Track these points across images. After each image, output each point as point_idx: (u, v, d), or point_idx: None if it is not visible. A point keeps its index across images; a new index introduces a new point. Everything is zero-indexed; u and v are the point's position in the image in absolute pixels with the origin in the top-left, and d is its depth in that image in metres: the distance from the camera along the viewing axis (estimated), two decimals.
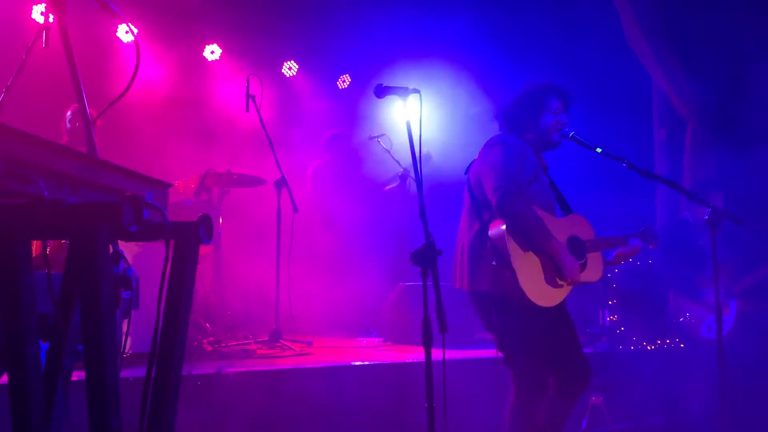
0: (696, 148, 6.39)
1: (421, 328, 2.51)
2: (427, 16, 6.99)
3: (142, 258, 4.00)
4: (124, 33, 6.58)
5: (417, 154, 2.68)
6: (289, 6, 7.27)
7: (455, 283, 3.27)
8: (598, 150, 3.27)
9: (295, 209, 5.25)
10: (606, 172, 5.75)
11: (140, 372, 3.36)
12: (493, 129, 3.45)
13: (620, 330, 5.35)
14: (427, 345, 2.50)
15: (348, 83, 7.92)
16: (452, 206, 3.58)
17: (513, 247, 2.99)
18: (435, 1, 6.99)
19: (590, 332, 5.40)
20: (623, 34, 6.56)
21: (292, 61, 7.64)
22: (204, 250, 4.99)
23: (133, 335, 3.87)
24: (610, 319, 5.39)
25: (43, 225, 1.34)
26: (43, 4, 5.82)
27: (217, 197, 5.51)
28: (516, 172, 3.09)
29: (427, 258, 2.54)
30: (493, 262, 3.01)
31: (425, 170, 2.73)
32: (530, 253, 3.05)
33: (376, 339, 5.82)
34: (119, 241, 1.70)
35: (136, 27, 6.46)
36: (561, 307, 3.14)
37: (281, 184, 5.29)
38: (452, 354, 3.71)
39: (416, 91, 2.78)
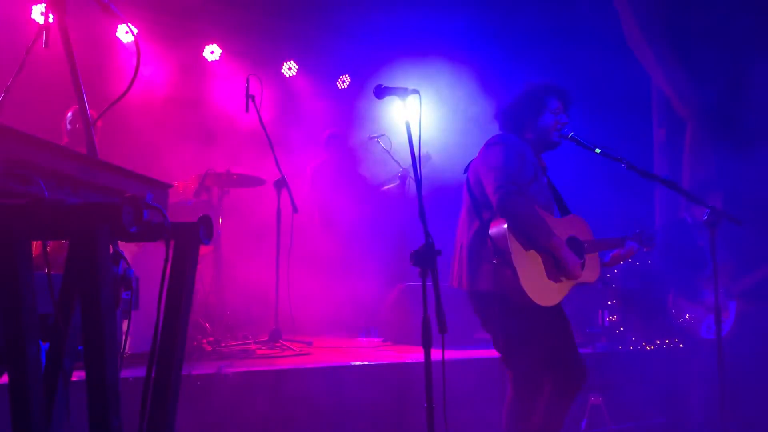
0: (695, 148, 6.39)
1: (420, 329, 2.51)
2: (426, 17, 6.99)
3: (141, 257, 4.01)
4: (124, 33, 6.58)
5: (416, 155, 2.68)
6: (289, 6, 7.28)
7: (454, 283, 3.28)
8: (597, 150, 3.27)
9: (295, 209, 5.25)
10: (605, 172, 5.76)
11: (140, 372, 3.36)
12: (493, 129, 3.46)
13: (619, 330, 5.36)
14: (427, 345, 2.50)
15: (348, 83, 7.92)
16: (452, 207, 3.58)
17: (514, 246, 3.00)
18: (435, 1, 6.99)
19: (590, 332, 5.40)
20: (623, 34, 6.56)
21: (292, 62, 7.64)
22: (204, 250, 4.99)
23: (133, 335, 3.88)
24: (610, 320, 5.40)
25: (43, 225, 1.35)
26: (43, 5, 5.82)
27: (216, 197, 5.51)
28: (516, 171, 3.10)
29: (426, 258, 2.54)
30: (494, 261, 3.02)
31: (424, 170, 2.74)
32: (532, 251, 3.07)
33: (376, 339, 5.83)
34: (119, 241, 1.70)
35: (136, 27, 6.45)
36: (559, 306, 3.16)
37: (281, 184, 5.30)
38: (452, 354, 3.71)
39: (416, 91, 2.78)
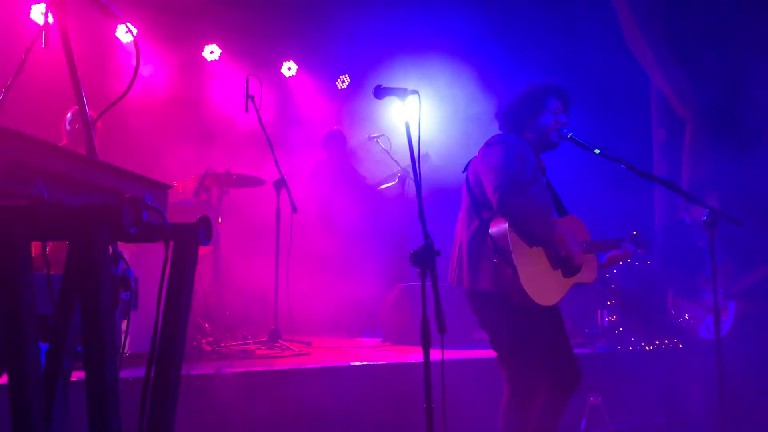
0: (695, 148, 6.39)
1: (419, 329, 2.52)
2: (425, 17, 6.99)
3: (140, 257, 4.01)
4: (124, 33, 6.58)
5: (416, 155, 2.69)
6: (288, 6, 7.28)
7: (452, 282, 3.28)
8: (596, 151, 3.28)
9: (294, 209, 5.25)
10: (605, 172, 5.77)
11: (140, 372, 3.36)
12: (492, 129, 3.46)
13: (619, 330, 5.36)
14: (426, 345, 2.51)
15: (347, 83, 7.92)
16: (451, 207, 3.59)
17: (515, 245, 3.01)
18: (434, 1, 7.00)
19: (589, 333, 5.40)
20: (622, 34, 6.56)
21: (292, 62, 7.64)
22: (203, 250, 4.99)
23: (133, 335, 3.88)
24: (609, 320, 5.40)
25: (43, 226, 1.35)
26: (43, 5, 5.83)
27: (216, 197, 5.51)
28: (516, 171, 3.11)
29: (426, 259, 2.55)
30: (494, 260, 3.03)
31: (423, 170, 2.74)
32: (533, 250, 3.08)
33: (375, 339, 5.83)
34: (118, 242, 1.70)
35: (135, 27, 6.48)
36: (556, 306, 3.18)
37: (280, 184, 5.30)
38: (451, 354, 3.72)
39: (415, 92, 2.79)
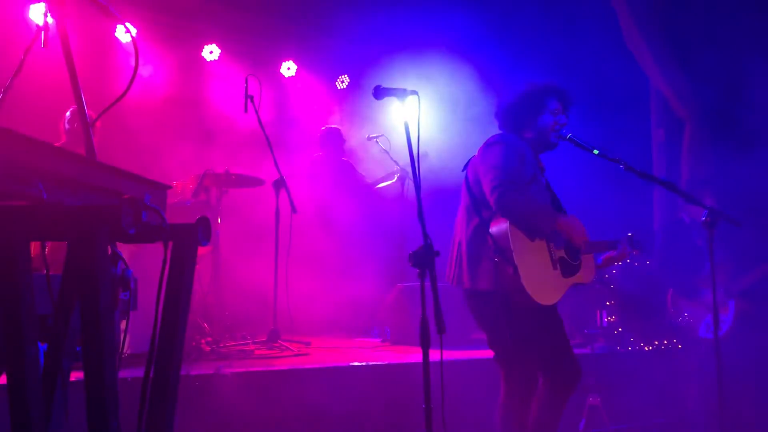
0: (694, 148, 6.40)
1: (419, 329, 2.52)
2: (425, 17, 6.99)
3: (139, 256, 4.01)
4: (123, 33, 6.58)
5: (415, 156, 2.69)
6: (287, 6, 7.28)
7: (450, 281, 3.29)
8: (595, 152, 3.28)
9: (294, 210, 5.25)
10: (605, 173, 5.77)
11: (139, 372, 3.36)
12: (491, 130, 3.47)
13: (618, 331, 5.36)
14: (425, 346, 2.51)
15: (347, 84, 7.92)
16: (450, 207, 3.59)
17: (516, 244, 3.02)
18: (433, 1, 7.00)
19: (588, 333, 5.41)
20: (621, 34, 6.57)
21: (291, 62, 7.64)
22: (202, 250, 4.98)
23: (133, 335, 3.88)
24: (608, 320, 5.40)
25: (42, 227, 1.35)
26: (43, 4, 5.82)
27: (215, 198, 5.50)
28: (515, 171, 3.12)
29: (425, 259, 2.55)
30: (495, 259, 3.04)
31: (422, 169, 2.74)
32: (535, 248, 3.10)
33: (374, 340, 5.83)
34: (117, 242, 1.70)
35: (134, 27, 6.48)
36: (555, 306, 3.19)
37: (280, 184, 5.29)
38: (450, 355, 3.72)
39: (414, 92, 2.79)
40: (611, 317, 5.42)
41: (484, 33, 6.73)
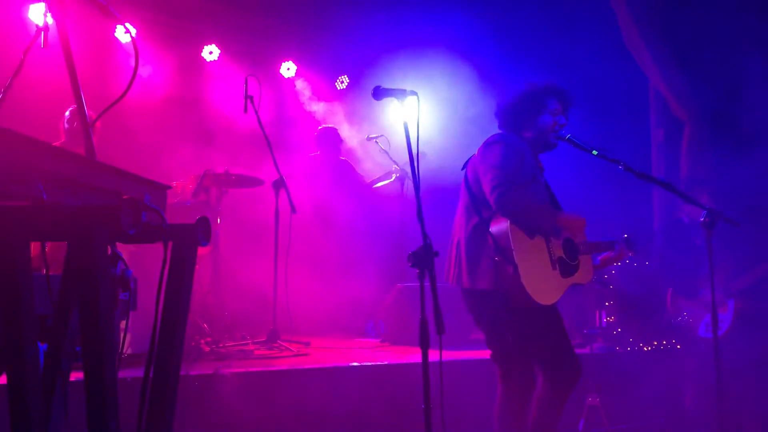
0: (693, 149, 6.39)
1: (418, 329, 2.52)
2: (424, 18, 6.99)
3: (139, 256, 4.01)
4: (123, 34, 6.58)
5: (414, 156, 2.69)
6: (287, 7, 7.28)
7: (449, 280, 3.29)
8: (594, 152, 3.29)
9: (293, 210, 5.26)
10: (603, 173, 5.77)
11: (138, 372, 3.37)
12: (490, 130, 3.47)
13: (617, 331, 5.36)
14: (424, 346, 2.51)
15: (346, 84, 7.92)
16: (449, 207, 3.59)
17: (516, 243, 3.02)
18: (433, 2, 7.00)
19: (587, 333, 5.41)
20: (620, 34, 6.57)
21: (291, 62, 7.64)
22: (202, 250, 4.98)
23: (134, 335, 3.88)
24: (607, 321, 5.40)
25: (42, 227, 1.35)
26: (42, 5, 5.82)
27: (215, 198, 5.51)
28: (515, 170, 3.13)
29: (424, 259, 2.55)
30: (496, 258, 3.04)
31: (421, 168, 2.75)
32: (535, 248, 3.11)
33: (374, 340, 5.83)
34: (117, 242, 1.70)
35: (134, 27, 6.47)
36: (554, 305, 3.20)
37: (279, 184, 5.30)
38: (449, 355, 3.72)
39: (414, 93, 2.80)
40: (610, 317, 5.42)
41: (484, 33, 6.74)
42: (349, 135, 7.20)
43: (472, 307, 3.27)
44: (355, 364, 4.20)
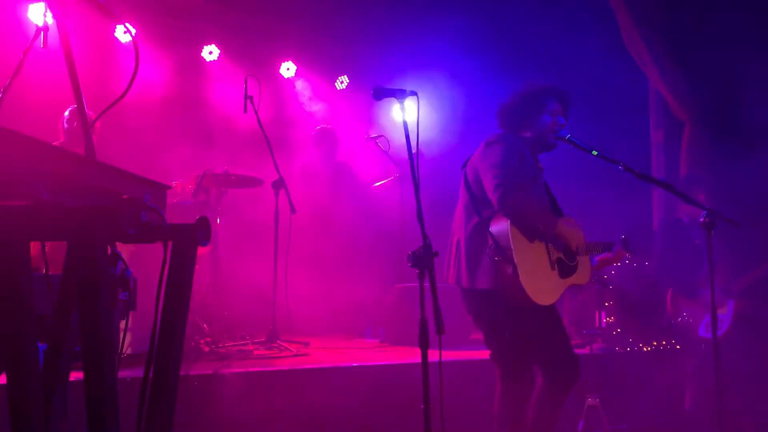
0: (693, 149, 6.40)
1: (417, 330, 2.52)
2: (424, 18, 7.00)
3: (139, 256, 4.00)
4: (122, 33, 6.57)
5: (414, 156, 2.70)
6: (287, 7, 7.27)
7: (448, 280, 3.29)
8: (594, 153, 3.29)
9: (293, 210, 5.26)
10: (603, 174, 5.77)
11: (138, 372, 3.37)
12: (489, 130, 3.47)
13: (617, 331, 5.36)
14: (424, 346, 2.51)
15: (346, 84, 7.92)
16: (449, 208, 3.59)
17: (516, 244, 3.03)
18: (432, 2, 7.00)
19: (587, 333, 5.40)
20: (620, 35, 6.57)
21: (291, 62, 7.64)
22: (201, 250, 4.98)
23: (135, 335, 3.88)
24: (607, 321, 5.40)
25: (42, 227, 1.35)
26: (42, 4, 5.82)
27: (214, 198, 5.50)
28: (516, 170, 3.13)
29: (424, 259, 2.55)
30: (496, 258, 3.05)
31: (419, 166, 2.75)
32: (534, 248, 3.11)
33: (373, 340, 5.83)
34: (117, 242, 1.70)
35: (134, 27, 6.46)
36: (553, 305, 3.21)
37: (279, 184, 5.30)
38: (448, 355, 3.72)
39: (414, 93, 2.81)
40: (610, 318, 5.42)
41: (484, 33, 6.74)
42: (349, 135, 7.20)
43: (472, 307, 3.28)
44: (355, 364, 4.20)
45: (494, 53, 6.77)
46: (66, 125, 5.07)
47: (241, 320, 5.45)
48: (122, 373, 3.38)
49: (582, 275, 3.34)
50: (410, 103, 2.79)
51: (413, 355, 4.66)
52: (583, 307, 5.64)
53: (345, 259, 6.33)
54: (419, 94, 2.80)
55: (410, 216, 4.91)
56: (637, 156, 6.80)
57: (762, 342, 4.82)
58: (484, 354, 3.37)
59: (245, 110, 5.28)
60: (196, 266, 2.01)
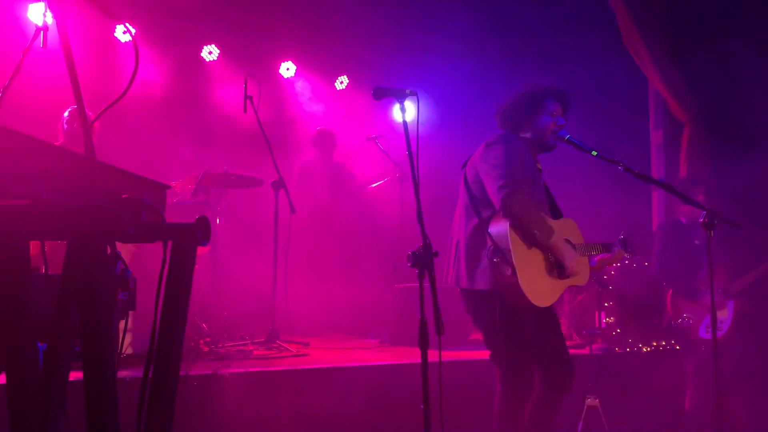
0: (693, 149, 6.40)
1: (417, 330, 2.52)
2: (424, 18, 7.00)
3: (139, 258, 4.01)
4: (122, 33, 6.57)
5: (414, 156, 2.70)
6: (286, 6, 7.28)
7: (448, 280, 3.29)
8: (594, 153, 3.29)
9: (293, 210, 5.26)
10: (602, 174, 5.77)
11: (138, 372, 3.36)
12: (489, 131, 3.47)
13: (616, 332, 5.36)
14: (424, 346, 2.51)
15: (346, 84, 7.93)
16: (449, 208, 3.59)
17: (515, 245, 3.03)
18: (432, 2, 7.00)
19: (587, 334, 5.41)
20: (619, 35, 6.57)
21: (290, 62, 7.64)
22: (201, 250, 4.98)
23: (136, 336, 3.88)
24: (607, 321, 5.40)
25: (42, 226, 1.35)
26: (42, 4, 5.81)
27: (214, 198, 5.50)
28: (517, 170, 3.13)
29: (424, 260, 2.55)
30: (495, 259, 3.05)
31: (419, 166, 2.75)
32: (533, 250, 3.11)
33: (373, 340, 5.83)
34: (117, 242, 1.70)
35: (134, 27, 6.45)
36: (551, 306, 3.22)
37: (279, 185, 5.30)
38: (448, 355, 3.72)
39: (413, 93, 2.81)
40: (610, 318, 5.42)
41: (484, 33, 6.74)
42: (349, 135, 7.20)
43: (471, 308, 3.28)
44: (355, 364, 4.20)
45: (494, 53, 6.77)
46: (66, 125, 5.07)
47: (241, 320, 5.45)
48: (122, 373, 3.38)
49: (581, 276, 3.34)
50: (410, 103, 2.79)
51: (413, 356, 4.65)
52: (583, 308, 5.64)
53: (345, 260, 6.33)
54: (419, 94, 2.80)
55: (410, 216, 4.92)
56: (636, 156, 6.81)
57: (762, 342, 4.82)
58: (484, 354, 3.37)
59: (245, 110, 5.28)
60: (196, 266, 2.01)
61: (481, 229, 3.15)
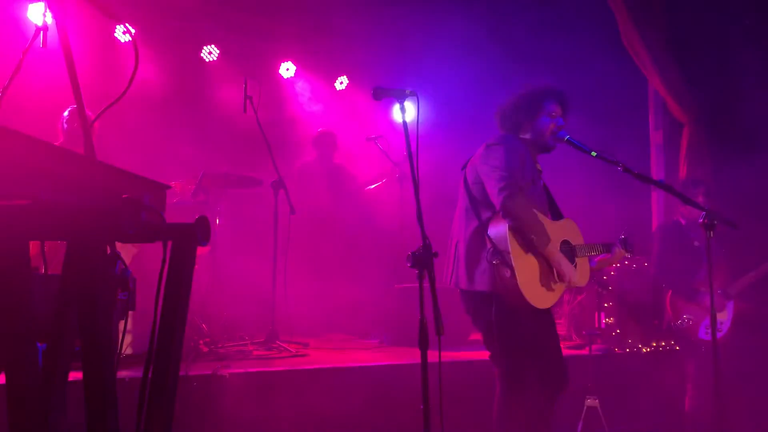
0: (693, 150, 6.40)
1: (417, 330, 2.52)
2: (424, 18, 6.99)
3: (139, 258, 4.01)
4: (122, 33, 6.57)
5: (414, 156, 2.70)
6: (286, 7, 7.28)
7: (447, 281, 3.30)
8: (593, 154, 3.30)
9: (292, 210, 5.26)
10: (602, 175, 5.77)
11: (138, 372, 3.37)
12: (489, 131, 3.47)
13: (616, 332, 5.36)
14: (423, 347, 2.51)
15: (345, 84, 7.93)
16: (449, 208, 3.59)
17: (514, 247, 3.04)
18: (432, 2, 7.00)
19: (586, 334, 5.40)
20: (619, 35, 6.58)
21: (290, 62, 7.64)
22: (201, 251, 4.98)
23: (137, 336, 3.88)
24: (607, 322, 5.40)
25: (41, 227, 1.35)
26: (42, 4, 5.81)
27: (214, 198, 5.50)
28: (518, 172, 3.14)
29: (423, 260, 2.55)
30: (494, 261, 3.05)
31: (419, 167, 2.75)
32: (531, 253, 3.10)
33: (373, 341, 5.82)
34: (117, 242, 1.70)
35: (133, 27, 6.46)
36: (548, 308, 3.23)
37: (278, 185, 5.30)
38: (448, 356, 3.72)
39: (413, 93, 2.81)
40: (610, 319, 5.42)
41: (483, 33, 6.74)
42: (348, 136, 7.19)
43: (471, 309, 3.29)
44: (354, 365, 4.20)
45: (494, 53, 6.76)
46: (65, 125, 5.07)
47: (241, 320, 5.45)
48: (122, 373, 3.38)
49: (581, 277, 3.34)
50: (410, 103, 2.79)
51: (413, 356, 4.65)
52: (583, 308, 5.64)
53: (344, 260, 6.33)
54: (419, 94, 2.80)
55: (410, 216, 4.92)
56: (636, 157, 6.81)
57: (762, 343, 4.82)
58: (484, 355, 3.37)
59: (245, 110, 5.28)
60: (196, 266, 2.01)
61: (482, 231, 3.15)
